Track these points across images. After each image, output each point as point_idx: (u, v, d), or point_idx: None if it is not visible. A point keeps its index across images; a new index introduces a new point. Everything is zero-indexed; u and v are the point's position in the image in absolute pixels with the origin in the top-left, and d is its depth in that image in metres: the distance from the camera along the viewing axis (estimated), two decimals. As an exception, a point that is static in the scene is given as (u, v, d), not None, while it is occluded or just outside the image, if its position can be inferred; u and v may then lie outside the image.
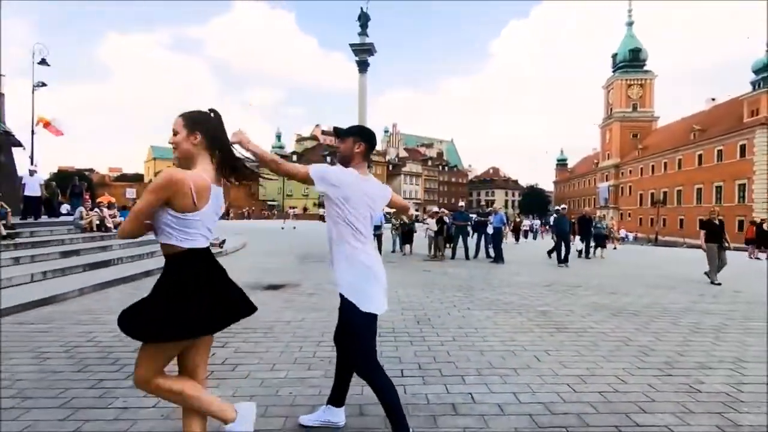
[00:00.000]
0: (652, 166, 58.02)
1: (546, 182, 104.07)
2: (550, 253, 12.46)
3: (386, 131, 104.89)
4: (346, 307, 2.12)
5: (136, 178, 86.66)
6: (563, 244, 11.33)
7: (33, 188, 13.09)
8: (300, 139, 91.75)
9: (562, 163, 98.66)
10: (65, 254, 8.47)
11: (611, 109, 69.43)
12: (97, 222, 11.63)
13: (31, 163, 17.52)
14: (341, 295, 2.14)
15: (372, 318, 2.12)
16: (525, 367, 3.51)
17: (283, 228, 27.70)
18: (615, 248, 19.51)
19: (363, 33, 41.99)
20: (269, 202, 74.55)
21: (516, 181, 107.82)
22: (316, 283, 7.44)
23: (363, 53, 41.38)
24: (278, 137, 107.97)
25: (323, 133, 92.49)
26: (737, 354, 3.95)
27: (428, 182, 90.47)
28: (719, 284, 8.30)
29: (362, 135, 2.25)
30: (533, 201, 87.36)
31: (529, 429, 2.47)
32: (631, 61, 67.71)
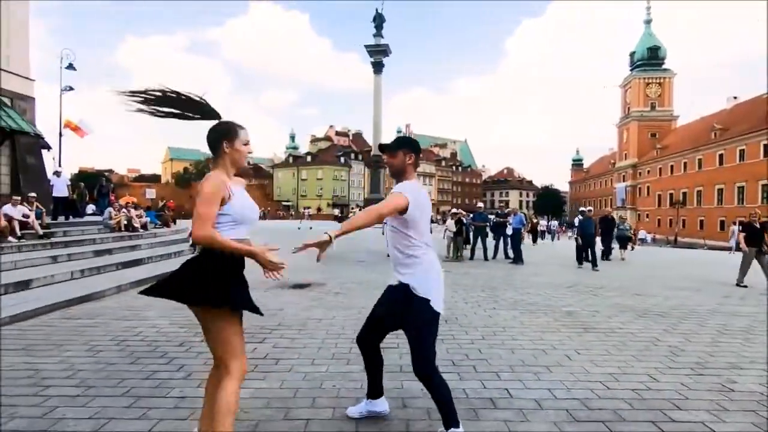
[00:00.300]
0: (671, 166, 57.00)
1: (561, 183, 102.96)
2: (579, 259, 11.47)
3: (399, 131, 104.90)
4: (421, 307, 2.16)
5: (154, 179, 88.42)
6: (588, 247, 11.11)
7: (60, 189, 13.58)
8: (314, 140, 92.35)
9: (577, 164, 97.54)
10: (98, 253, 8.80)
11: (629, 109, 68.39)
12: (125, 222, 12.02)
13: (59, 165, 18.14)
14: (416, 297, 2.17)
15: (438, 317, 2.23)
16: (556, 365, 3.60)
17: (299, 228, 27.99)
18: (632, 249, 19.30)
19: (378, 34, 42.16)
20: (284, 203, 75.31)
21: (530, 182, 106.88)
22: (341, 283, 7.60)
23: (378, 54, 41.61)
24: (292, 138, 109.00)
25: (337, 133, 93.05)
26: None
27: (442, 183, 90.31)
28: (745, 286, 8.22)
29: (411, 146, 2.32)
30: (548, 201, 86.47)
31: (568, 422, 2.58)
32: (650, 59, 66.62)
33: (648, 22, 69.03)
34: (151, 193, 39.43)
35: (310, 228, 28.54)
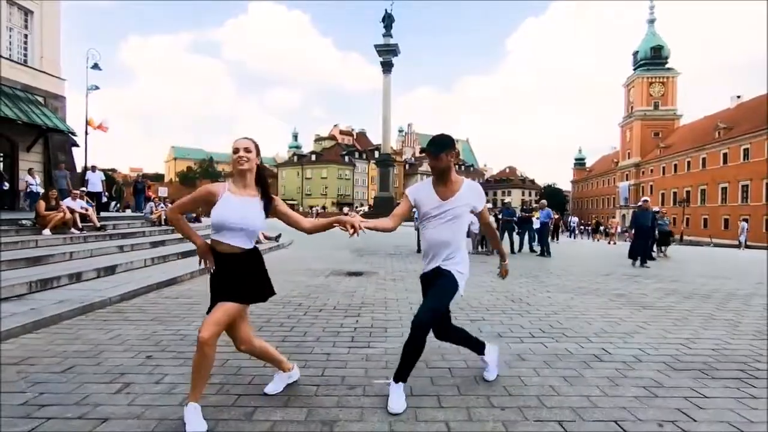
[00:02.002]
0: (675, 165, 57.46)
1: (564, 182, 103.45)
2: (632, 257, 10.26)
3: (401, 131, 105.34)
4: (454, 288, 2.48)
5: (157, 178, 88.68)
6: (644, 242, 10.15)
7: (95, 184, 14.00)
8: (318, 139, 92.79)
9: (580, 163, 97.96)
10: (154, 244, 9.24)
11: (632, 108, 68.84)
12: (164, 217, 12.46)
13: (86, 162, 18.59)
14: (456, 280, 2.48)
15: (455, 294, 2.52)
16: (634, 332, 4.06)
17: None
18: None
19: (387, 34, 42.41)
20: (288, 202, 75.75)
21: (533, 181, 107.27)
22: (391, 272, 8.05)
23: (387, 54, 41.88)
24: (295, 137, 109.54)
25: (341, 132, 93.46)
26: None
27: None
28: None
29: (451, 145, 2.42)
30: (551, 201, 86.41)
31: (670, 370, 3.03)
32: (653, 58, 67.04)
33: (651, 21, 69.46)
34: (163, 191, 39.78)
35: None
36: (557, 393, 2.65)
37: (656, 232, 11.70)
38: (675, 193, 55.92)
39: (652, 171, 63.37)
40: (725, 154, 48.09)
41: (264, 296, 2.37)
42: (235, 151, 2.23)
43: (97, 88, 20.12)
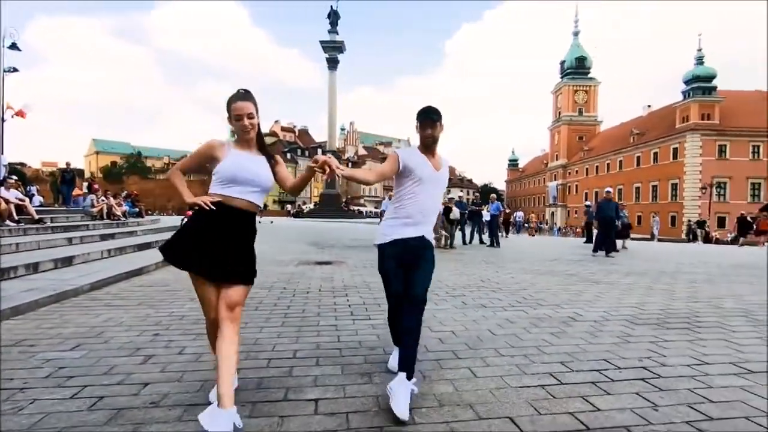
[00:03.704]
0: (597, 167, 62.88)
1: (499, 182, 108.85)
2: (597, 249, 10.46)
3: (343, 129, 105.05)
4: (432, 250, 2.46)
5: (77, 174, 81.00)
6: (608, 233, 10.36)
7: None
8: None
9: (513, 163, 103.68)
10: (104, 237, 8.69)
11: (560, 113, 74.21)
12: (106, 210, 11.68)
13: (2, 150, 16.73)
14: (430, 243, 2.45)
15: None
16: (595, 300, 4.64)
17: (260, 222, 27.73)
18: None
19: (333, 31, 42.16)
20: (226, 199, 72.55)
21: (471, 180, 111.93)
22: (359, 261, 8.25)
23: (333, 51, 41.62)
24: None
25: (282, 129, 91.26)
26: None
27: (388, 180, 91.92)
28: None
29: (442, 116, 2.38)
30: (488, 199, 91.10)
31: (633, 325, 3.58)
32: (577, 68, 72.78)
33: (576, 33, 75.33)
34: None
35: (271, 222, 28.37)
36: (550, 344, 3.05)
37: (620, 223, 11.77)
38: (597, 193, 61.20)
39: (577, 172, 68.78)
40: (638, 158, 53.50)
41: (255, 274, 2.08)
42: (238, 118, 1.98)
43: (15, 70, 18.16)
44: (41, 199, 15.67)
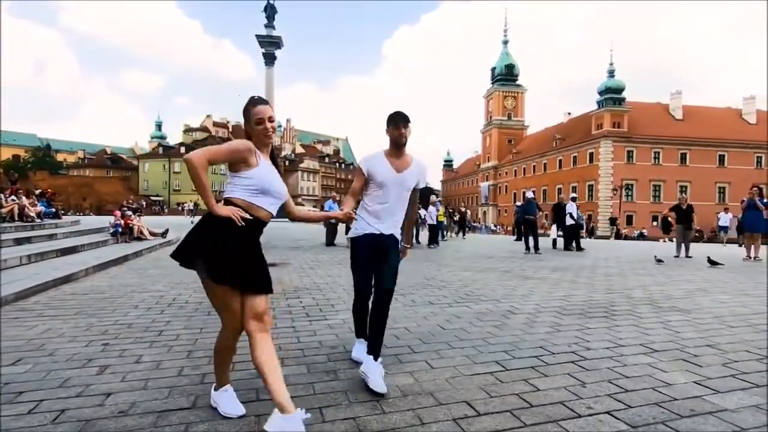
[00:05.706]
0: (524, 168, 67.19)
1: (434, 182, 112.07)
2: (527, 245, 11.19)
3: (279, 126, 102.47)
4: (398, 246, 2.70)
5: (-28, 168, 71.39)
6: (530, 229, 11.16)
7: None
8: (188, 130, 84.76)
9: (448, 164, 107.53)
10: (19, 241, 7.91)
11: (491, 117, 78.28)
12: (17, 211, 10.58)
13: None
14: (399, 241, 2.69)
15: None
16: (528, 294, 5.13)
17: (192, 222, 26.39)
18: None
19: (270, 25, 41.01)
20: (153, 197, 67.92)
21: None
22: (304, 262, 8.29)
23: (270, 46, 40.50)
24: (159, 126, 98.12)
25: (215, 124, 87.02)
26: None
27: (326, 179, 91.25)
28: (660, 260, 11.12)
29: (409, 120, 2.53)
30: (424, 198, 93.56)
31: (563, 314, 4.04)
32: (507, 75, 77.26)
33: (505, 42, 79.89)
34: (-13, 183, 32.58)
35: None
36: (494, 335, 3.38)
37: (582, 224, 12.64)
38: (524, 193, 65.34)
39: (506, 173, 72.98)
40: (560, 161, 57.95)
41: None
42: (260, 122, 1.94)
43: None
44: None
